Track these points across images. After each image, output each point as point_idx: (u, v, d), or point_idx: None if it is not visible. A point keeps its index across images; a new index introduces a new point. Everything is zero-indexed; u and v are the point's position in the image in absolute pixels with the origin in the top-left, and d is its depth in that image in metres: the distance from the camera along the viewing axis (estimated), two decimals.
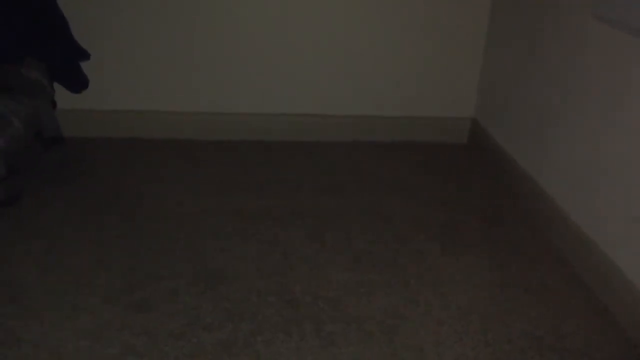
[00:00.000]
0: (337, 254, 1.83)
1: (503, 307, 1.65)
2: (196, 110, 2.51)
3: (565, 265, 1.84)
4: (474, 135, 2.61)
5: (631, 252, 1.60)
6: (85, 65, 2.27)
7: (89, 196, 2.06)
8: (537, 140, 2.12)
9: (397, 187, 2.25)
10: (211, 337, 1.48)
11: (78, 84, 2.30)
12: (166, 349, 1.43)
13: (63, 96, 2.29)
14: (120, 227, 1.90)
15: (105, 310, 1.55)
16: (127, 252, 1.78)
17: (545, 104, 2.05)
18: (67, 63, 2.26)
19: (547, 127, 2.05)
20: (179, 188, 2.15)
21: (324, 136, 2.58)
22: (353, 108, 2.58)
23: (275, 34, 2.43)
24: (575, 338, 1.55)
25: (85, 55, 2.26)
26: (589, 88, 1.80)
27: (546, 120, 2.05)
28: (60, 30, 2.20)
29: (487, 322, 1.59)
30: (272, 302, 1.61)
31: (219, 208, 2.03)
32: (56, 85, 2.25)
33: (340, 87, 2.54)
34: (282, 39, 2.44)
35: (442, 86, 2.57)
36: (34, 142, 2.16)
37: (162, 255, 1.78)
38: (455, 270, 1.79)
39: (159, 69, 2.44)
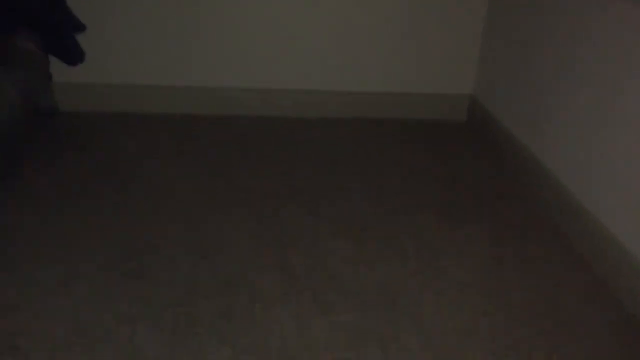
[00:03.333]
0: (336, 228, 1.81)
1: (501, 278, 1.65)
2: (191, 84, 2.49)
3: (563, 238, 1.83)
4: (473, 112, 2.60)
5: (628, 223, 1.60)
6: (81, 38, 2.24)
7: (84, 168, 2.04)
8: (537, 116, 2.10)
9: (395, 163, 2.24)
10: (209, 305, 1.47)
11: (74, 56, 2.27)
12: (164, 316, 1.42)
13: (59, 69, 2.26)
14: (116, 198, 1.88)
15: (101, 278, 1.53)
16: (123, 222, 1.76)
17: (546, 79, 2.04)
18: (63, 35, 2.23)
19: (547, 103, 2.04)
20: (175, 162, 2.13)
21: (320, 113, 2.56)
22: (350, 84, 2.55)
23: (273, 8, 2.40)
24: (572, 309, 1.55)
25: (81, 28, 2.23)
26: (590, 62, 1.79)
27: (546, 95, 2.04)
28: (56, 2, 2.17)
29: (485, 293, 1.58)
30: (271, 273, 1.60)
31: (216, 182, 2.01)
32: (52, 58, 2.22)
33: (337, 64, 2.51)
34: (279, 14, 2.41)
35: (440, 62, 2.55)
36: (29, 113, 2.13)
37: (159, 226, 1.76)
38: (453, 243, 1.78)
39: (155, 43, 2.41)
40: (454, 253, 1.74)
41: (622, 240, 1.61)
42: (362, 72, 2.54)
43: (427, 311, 1.50)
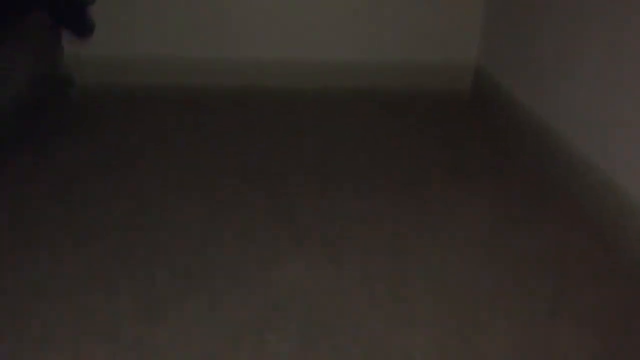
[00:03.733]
0: (344, 187, 1.86)
1: (507, 232, 1.69)
2: (199, 56, 2.52)
3: (570, 195, 1.87)
4: (478, 80, 2.62)
5: (636, 177, 1.64)
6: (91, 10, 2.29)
7: (97, 136, 2.09)
8: (542, 79, 2.13)
9: (402, 129, 2.28)
10: (221, 256, 1.52)
11: (84, 28, 2.31)
12: (179, 263, 1.47)
13: (69, 42, 2.30)
14: (129, 165, 1.92)
15: (119, 233, 1.59)
16: (136, 185, 1.81)
17: (552, 43, 2.07)
18: (73, 8, 2.28)
19: (553, 66, 2.06)
20: (184, 132, 2.17)
21: (324, 83, 2.58)
22: (354, 54, 2.58)
23: None
24: (577, 259, 1.59)
25: (90, 0, 2.27)
26: (598, 23, 1.81)
27: (552, 59, 2.06)
28: None
29: (492, 245, 1.63)
30: (281, 225, 1.65)
31: (225, 150, 2.05)
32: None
33: (339, 33, 2.54)
34: None
35: (444, 31, 2.58)
36: (44, 83, 2.19)
37: (170, 188, 1.81)
38: (461, 200, 1.83)
39: (164, 14, 2.45)
40: (461, 209, 1.79)
41: (630, 193, 1.65)
42: (364, 42, 2.57)
43: (434, 261, 1.55)
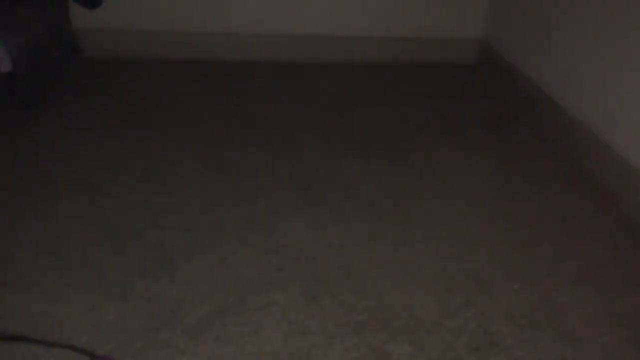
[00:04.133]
0: (348, 150, 1.89)
1: (508, 192, 1.72)
2: (207, 30, 2.53)
3: (571, 159, 1.90)
4: (484, 55, 2.63)
5: (635, 143, 1.66)
6: None
7: (105, 105, 2.11)
8: (547, 52, 2.13)
9: (404, 100, 2.28)
10: (230, 214, 1.55)
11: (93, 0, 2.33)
12: (189, 222, 1.51)
13: (78, 15, 2.32)
14: (139, 129, 1.95)
15: (129, 193, 1.62)
16: (145, 150, 1.83)
17: (558, 17, 2.07)
18: None
19: (557, 39, 2.07)
20: (191, 101, 2.17)
21: (328, 57, 2.58)
22: (357, 29, 2.58)
23: None
24: (576, 218, 1.62)
25: None
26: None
27: (558, 30, 2.07)
28: None
29: (493, 204, 1.66)
30: (286, 188, 1.68)
31: (233, 118, 2.07)
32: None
33: (346, 8, 2.54)
34: None
35: (450, 5, 2.58)
36: (53, 50, 2.22)
37: (178, 151, 1.84)
38: (463, 162, 1.86)
39: None
40: (464, 170, 1.81)
41: (629, 158, 1.67)
42: (370, 16, 2.56)
43: (435, 219, 1.58)
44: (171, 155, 1.81)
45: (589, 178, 1.80)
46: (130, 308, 1.25)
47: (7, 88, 1.94)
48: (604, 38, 1.81)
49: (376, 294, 1.32)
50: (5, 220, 1.48)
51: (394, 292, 1.33)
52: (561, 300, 1.34)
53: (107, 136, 1.90)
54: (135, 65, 2.42)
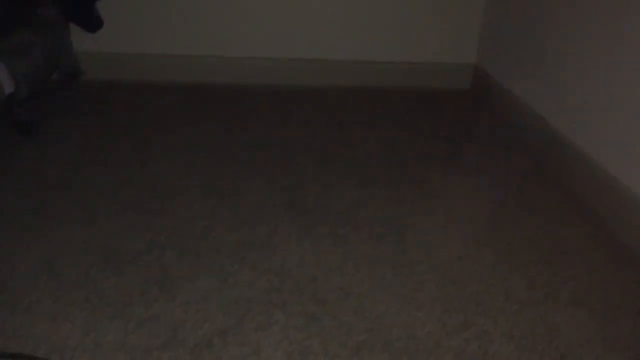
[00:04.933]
0: (347, 176, 1.91)
1: (505, 217, 1.74)
2: (205, 54, 2.57)
3: (566, 185, 1.92)
4: (477, 80, 2.68)
5: (628, 165, 1.69)
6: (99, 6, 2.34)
7: (104, 128, 2.13)
8: (540, 78, 2.18)
9: (401, 125, 2.32)
10: (230, 237, 1.56)
11: (92, 23, 2.37)
12: (188, 245, 1.52)
13: (78, 38, 2.35)
14: (136, 154, 1.96)
15: (128, 216, 1.63)
16: (145, 174, 1.85)
17: (551, 42, 2.12)
18: (82, 3, 2.33)
19: (551, 64, 2.12)
20: (190, 124, 2.20)
21: (324, 81, 2.62)
22: (353, 54, 2.62)
23: None
24: (572, 243, 1.64)
25: None
26: (593, 22, 1.87)
27: (551, 57, 2.12)
28: None
29: (490, 228, 1.68)
30: (287, 211, 1.70)
31: (230, 141, 2.09)
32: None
33: (341, 33, 2.59)
34: None
35: (443, 31, 2.63)
36: (52, 75, 2.24)
37: (177, 176, 1.85)
38: (458, 189, 1.88)
39: (172, 12, 2.50)
40: (460, 195, 1.83)
41: (624, 182, 1.70)
42: (365, 42, 2.61)
43: (434, 242, 1.60)
44: (170, 179, 1.82)
45: (583, 202, 1.83)
46: (131, 328, 1.25)
47: (7, 111, 1.96)
48: (596, 61, 1.85)
49: (376, 314, 1.33)
50: (5, 243, 1.48)
51: (394, 313, 1.34)
52: (558, 321, 1.35)
53: (106, 159, 1.91)
54: (133, 88, 2.45)
